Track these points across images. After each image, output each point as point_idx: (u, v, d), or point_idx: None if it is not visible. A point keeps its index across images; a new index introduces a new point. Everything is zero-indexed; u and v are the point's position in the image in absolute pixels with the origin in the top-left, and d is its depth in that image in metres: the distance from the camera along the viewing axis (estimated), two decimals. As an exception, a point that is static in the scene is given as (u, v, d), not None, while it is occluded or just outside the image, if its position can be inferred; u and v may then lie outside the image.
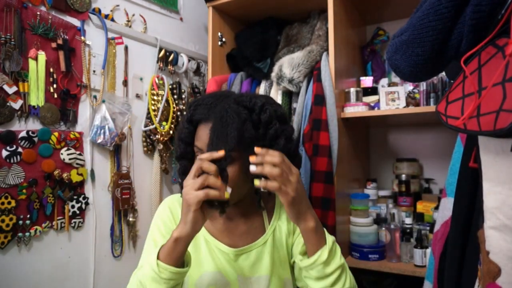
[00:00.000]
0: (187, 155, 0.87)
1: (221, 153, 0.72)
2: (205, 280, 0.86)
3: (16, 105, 1.23)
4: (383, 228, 1.46)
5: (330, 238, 0.80)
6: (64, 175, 1.34)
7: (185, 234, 0.71)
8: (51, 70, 1.33)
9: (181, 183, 0.89)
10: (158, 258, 0.73)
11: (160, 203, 1.01)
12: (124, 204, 1.54)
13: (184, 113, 1.74)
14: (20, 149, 1.23)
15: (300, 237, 0.89)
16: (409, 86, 1.53)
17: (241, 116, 0.76)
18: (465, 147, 0.75)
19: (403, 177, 1.70)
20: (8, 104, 1.21)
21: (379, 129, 1.92)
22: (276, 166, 0.71)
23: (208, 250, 0.88)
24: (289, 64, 1.45)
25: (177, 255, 0.72)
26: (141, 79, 1.68)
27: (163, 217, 0.92)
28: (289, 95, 1.52)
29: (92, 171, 1.46)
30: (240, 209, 0.92)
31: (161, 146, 1.68)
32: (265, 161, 0.71)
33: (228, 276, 0.87)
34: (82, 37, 1.43)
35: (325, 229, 0.83)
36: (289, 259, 0.94)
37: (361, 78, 1.69)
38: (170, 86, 1.76)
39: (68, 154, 1.36)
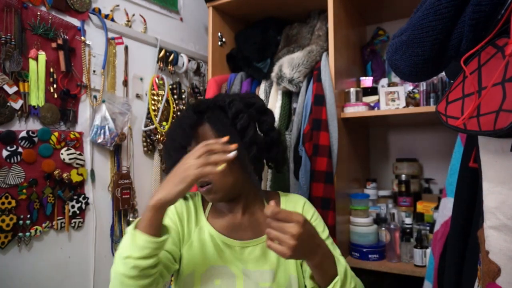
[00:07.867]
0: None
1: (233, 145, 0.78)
2: (211, 274, 0.88)
3: (16, 105, 1.23)
4: (383, 228, 1.46)
5: (341, 267, 0.79)
6: (64, 175, 1.34)
7: (169, 199, 0.73)
8: (51, 70, 1.33)
9: None
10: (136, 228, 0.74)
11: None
12: (124, 204, 1.54)
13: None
14: (20, 149, 1.23)
15: None
16: (409, 86, 1.52)
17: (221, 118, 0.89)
18: (465, 147, 0.75)
19: (403, 177, 1.70)
20: (8, 104, 1.21)
21: (379, 129, 1.91)
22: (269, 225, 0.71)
23: (214, 245, 0.91)
24: (289, 64, 1.45)
25: (158, 222, 0.74)
26: (141, 79, 1.68)
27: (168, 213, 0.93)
28: (289, 95, 1.52)
29: (92, 171, 1.46)
30: (242, 204, 0.95)
31: (161, 146, 1.68)
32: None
33: (233, 269, 0.89)
34: (82, 37, 1.43)
35: (337, 254, 0.87)
36: None
37: (361, 78, 1.69)
38: (170, 86, 1.76)
39: (68, 154, 1.36)
